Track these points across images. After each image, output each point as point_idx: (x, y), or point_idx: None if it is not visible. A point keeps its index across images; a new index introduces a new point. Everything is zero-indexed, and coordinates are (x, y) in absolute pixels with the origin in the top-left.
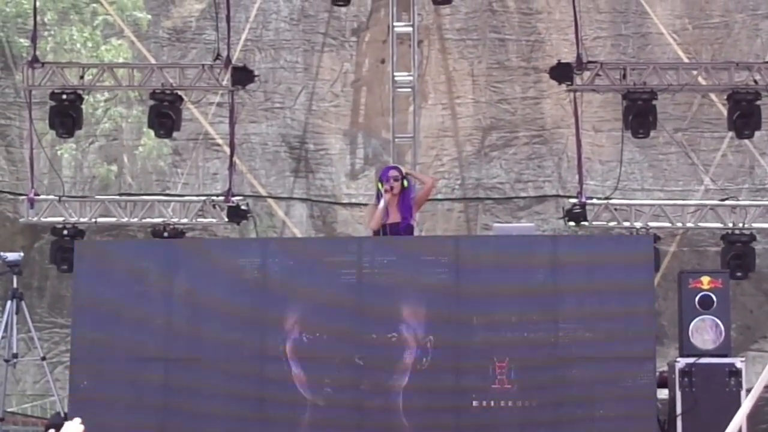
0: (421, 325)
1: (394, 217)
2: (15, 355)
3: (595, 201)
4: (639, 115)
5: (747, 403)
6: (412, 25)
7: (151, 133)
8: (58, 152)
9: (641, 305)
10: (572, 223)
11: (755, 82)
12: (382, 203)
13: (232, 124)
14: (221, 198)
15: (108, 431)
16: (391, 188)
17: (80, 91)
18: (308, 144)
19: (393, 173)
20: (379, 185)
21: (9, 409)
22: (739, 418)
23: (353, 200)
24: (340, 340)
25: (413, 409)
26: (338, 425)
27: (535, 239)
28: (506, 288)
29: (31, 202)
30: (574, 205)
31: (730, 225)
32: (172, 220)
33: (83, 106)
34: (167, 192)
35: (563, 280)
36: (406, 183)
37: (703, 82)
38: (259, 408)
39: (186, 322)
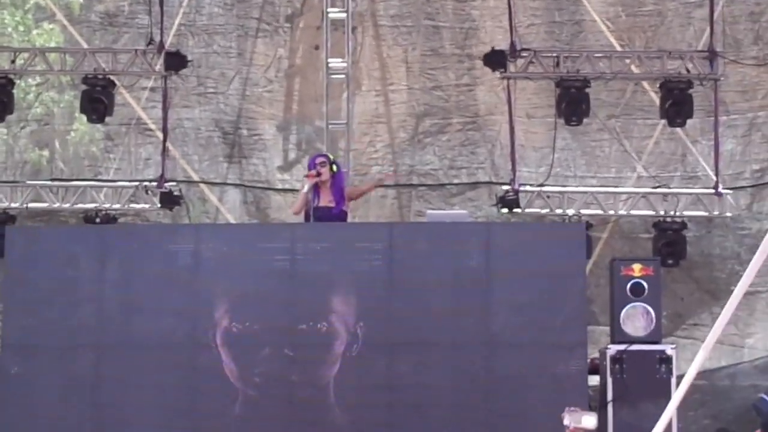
0: (351, 313)
1: (326, 201)
2: None
3: (528, 188)
4: (572, 102)
5: (680, 391)
6: (347, 11)
7: (84, 118)
8: None
9: (573, 292)
10: (505, 210)
11: (687, 70)
12: (305, 188)
13: (165, 110)
14: (154, 184)
15: (39, 418)
16: (319, 174)
17: (11, 76)
18: (242, 129)
19: (320, 159)
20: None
21: None
22: (673, 406)
23: (287, 186)
24: (271, 329)
25: (345, 398)
26: (270, 415)
27: (469, 226)
28: (439, 274)
29: None
30: (507, 192)
31: (662, 213)
32: (104, 205)
33: (15, 91)
34: (99, 177)
35: (496, 266)
36: (335, 168)
37: (636, 71)
38: (190, 396)
39: (117, 309)
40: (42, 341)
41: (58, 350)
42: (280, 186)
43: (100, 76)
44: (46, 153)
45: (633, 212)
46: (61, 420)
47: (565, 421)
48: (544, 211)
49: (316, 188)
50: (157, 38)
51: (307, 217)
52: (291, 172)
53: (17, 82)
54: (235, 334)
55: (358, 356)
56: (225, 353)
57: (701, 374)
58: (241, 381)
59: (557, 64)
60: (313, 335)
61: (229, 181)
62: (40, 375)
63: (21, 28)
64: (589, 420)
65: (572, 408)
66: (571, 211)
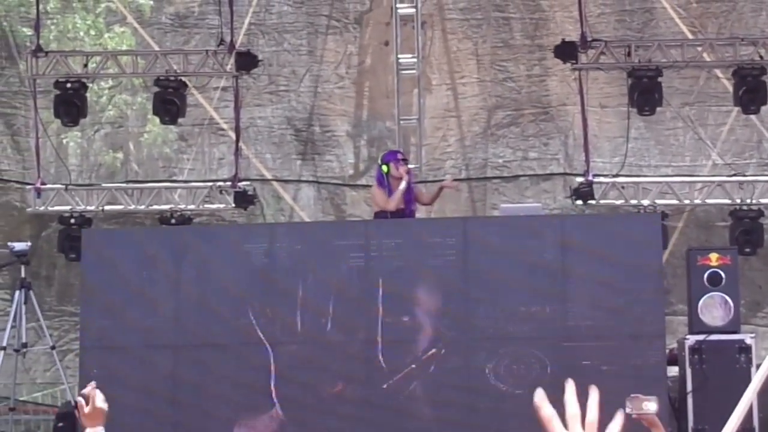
0: (429, 307)
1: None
2: (24, 345)
3: (602, 179)
4: (644, 92)
5: (755, 383)
6: (416, 7)
7: (157, 119)
8: (64, 141)
9: (650, 283)
10: (580, 202)
11: (760, 57)
12: (403, 185)
13: (237, 109)
14: (228, 183)
15: (119, 418)
16: (408, 171)
17: (84, 80)
18: (314, 126)
19: (401, 156)
20: (385, 168)
21: (20, 398)
22: (748, 397)
23: (361, 181)
24: (352, 324)
25: (429, 391)
26: (353, 412)
27: (543, 219)
28: (514, 268)
29: (38, 192)
30: (581, 183)
31: (738, 201)
32: (179, 206)
33: (88, 94)
34: (174, 178)
35: (571, 259)
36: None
37: (708, 58)
38: (268, 394)
39: (194, 309)
40: (120, 342)
41: (136, 351)
42: (353, 181)
43: (172, 78)
44: (120, 155)
45: (709, 201)
46: (141, 420)
47: (627, 410)
48: (618, 202)
49: (390, 189)
50: (228, 38)
51: (380, 216)
52: (364, 165)
53: (90, 85)
54: (313, 330)
55: (438, 350)
56: (304, 349)
57: None
58: (322, 376)
59: (629, 54)
60: (396, 327)
61: (303, 179)
62: (120, 375)
63: (92, 32)
64: (650, 405)
65: (633, 395)
66: (646, 202)
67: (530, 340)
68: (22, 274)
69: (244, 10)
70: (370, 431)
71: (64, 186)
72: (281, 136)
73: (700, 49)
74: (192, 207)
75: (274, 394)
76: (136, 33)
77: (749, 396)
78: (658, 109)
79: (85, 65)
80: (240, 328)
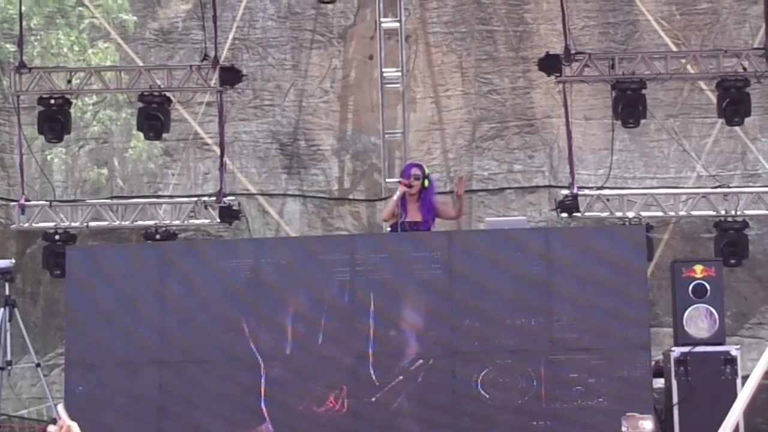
0: (415, 321)
1: (414, 216)
2: (9, 362)
3: (586, 192)
4: (628, 105)
5: (745, 393)
6: (399, 21)
7: (141, 135)
8: (48, 157)
9: (635, 295)
10: (565, 215)
11: (744, 69)
12: (396, 194)
13: (221, 125)
14: (213, 198)
15: None
16: (410, 186)
17: (68, 96)
18: (299, 141)
19: (415, 171)
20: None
21: (8, 414)
22: (738, 408)
23: (348, 195)
24: (338, 339)
25: (415, 404)
26: (344, 426)
27: (528, 232)
28: (500, 281)
29: (22, 208)
30: (566, 196)
31: (723, 212)
32: (165, 222)
33: (72, 110)
34: (159, 194)
35: (556, 272)
36: (427, 183)
37: (692, 70)
38: (255, 410)
39: (179, 325)
40: (105, 359)
41: (121, 367)
42: (339, 195)
43: (156, 93)
44: (105, 171)
45: (693, 212)
46: None
47: (623, 428)
48: (603, 214)
49: (403, 201)
50: (212, 53)
51: (395, 230)
52: (350, 179)
53: (74, 101)
54: (299, 345)
55: (429, 363)
56: (292, 364)
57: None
58: (308, 392)
59: (612, 66)
60: (382, 341)
61: (288, 193)
62: (105, 392)
63: (76, 48)
64: (646, 424)
65: (629, 414)
66: (631, 214)
67: (516, 353)
68: (7, 292)
69: (228, 25)
70: None
71: (48, 202)
72: (266, 151)
73: (683, 61)
74: (177, 222)
75: (264, 410)
76: (119, 48)
77: (738, 408)
78: (643, 121)
79: (69, 81)
80: (226, 343)
